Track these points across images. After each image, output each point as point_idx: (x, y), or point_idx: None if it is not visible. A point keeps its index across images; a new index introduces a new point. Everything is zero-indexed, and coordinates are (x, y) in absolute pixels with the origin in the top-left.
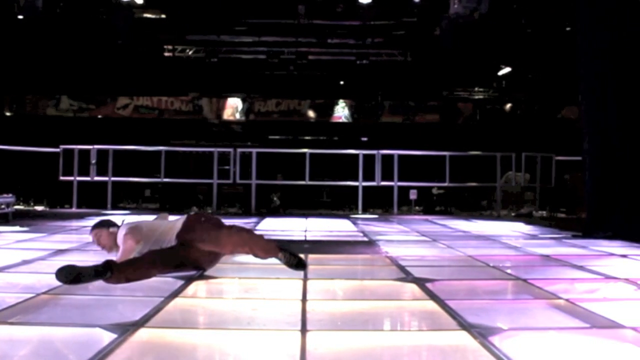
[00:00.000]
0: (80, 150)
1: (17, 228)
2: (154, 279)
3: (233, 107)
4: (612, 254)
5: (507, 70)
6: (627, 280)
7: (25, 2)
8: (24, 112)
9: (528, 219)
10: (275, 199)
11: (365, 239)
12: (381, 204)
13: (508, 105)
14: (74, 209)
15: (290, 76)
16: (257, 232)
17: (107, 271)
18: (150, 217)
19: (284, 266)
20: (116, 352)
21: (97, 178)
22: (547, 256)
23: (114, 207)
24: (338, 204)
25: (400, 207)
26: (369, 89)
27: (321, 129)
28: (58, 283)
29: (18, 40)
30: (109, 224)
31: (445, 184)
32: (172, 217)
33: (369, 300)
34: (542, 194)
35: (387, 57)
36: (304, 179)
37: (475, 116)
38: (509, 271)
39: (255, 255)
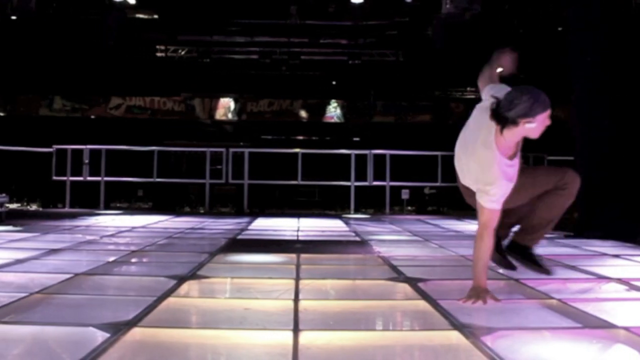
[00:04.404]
0: (73, 150)
1: (11, 228)
2: (146, 278)
3: (225, 107)
4: (604, 254)
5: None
6: (619, 280)
7: (18, 3)
8: (17, 113)
9: None
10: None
11: (357, 238)
12: (373, 203)
13: None
14: (66, 209)
15: (283, 76)
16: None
17: None
18: (144, 217)
19: (276, 266)
20: (109, 351)
21: (89, 178)
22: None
23: (107, 207)
24: (330, 203)
25: (392, 206)
26: (361, 89)
27: (313, 129)
28: (51, 282)
29: (11, 41)
30: None
31: (438, 184)
32: None
33: (361, 300)
34: None
35: (379, 57)
36: (296, 179)
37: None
38: (500, 271)
39: None
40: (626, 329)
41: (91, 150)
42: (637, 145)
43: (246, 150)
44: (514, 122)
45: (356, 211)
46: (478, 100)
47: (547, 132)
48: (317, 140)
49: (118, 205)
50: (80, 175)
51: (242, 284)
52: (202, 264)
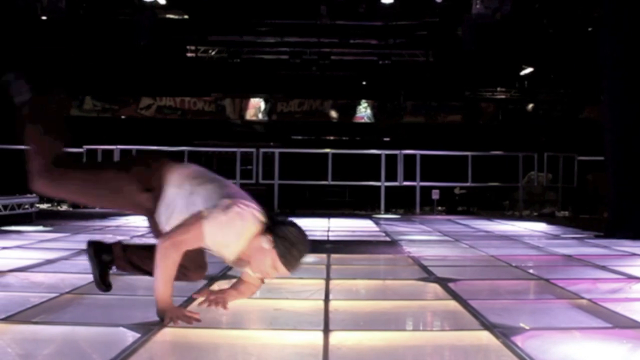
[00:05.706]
0: (104, 151)
1: (41, 228)
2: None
3: (256, 107)
4: (634, 254)
5: (529, 70)
6: None
7: (48, 3)
8: None
9: (550, 219)
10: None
11: (387, 238)
12: (403, 204)
13: (530, 106)
14: (97, 209)
15: (313, 76)
16: None
17: None
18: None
19: (306, 266)
20: (139, 351)
21: None
22: (570, 256)
23: None
24: (360, 204)
25: (422, 207)
26: (391, 89)
27: (344, 129)
28: (82, 283)
29: (41, 41)
30: None
31: (468, 184)
32: None
33: (391, 300)
34: (564, 194)
35: (409, 58)
36: (326, 179)
37: (498, 116)
38: (531, 271)
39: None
40: None
41: (121, 151)
42: None
43: (276, 151)
44: None
45: (386, 211)
46: (509, 100)
47: (578, 133)
48: (348, 141)
49: None
50: None
51: (272, 284)
52: None
